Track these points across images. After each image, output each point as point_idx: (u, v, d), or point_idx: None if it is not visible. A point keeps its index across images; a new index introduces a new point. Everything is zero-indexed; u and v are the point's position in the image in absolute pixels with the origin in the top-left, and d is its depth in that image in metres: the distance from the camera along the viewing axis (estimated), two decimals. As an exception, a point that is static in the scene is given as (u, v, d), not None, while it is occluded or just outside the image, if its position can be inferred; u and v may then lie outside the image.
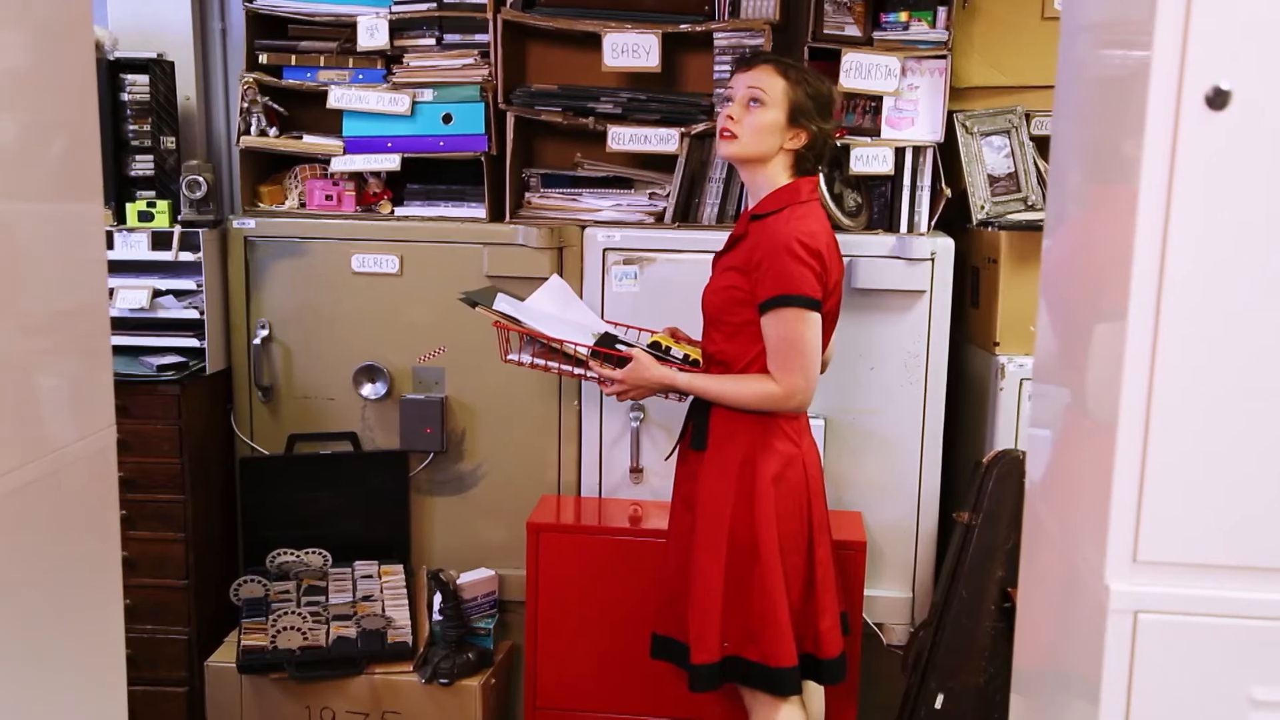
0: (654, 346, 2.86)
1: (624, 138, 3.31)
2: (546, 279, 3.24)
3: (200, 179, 3.31)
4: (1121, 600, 1.35)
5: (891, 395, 3.30)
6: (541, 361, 2.87)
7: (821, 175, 2.84)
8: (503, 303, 2.89)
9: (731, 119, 2.65)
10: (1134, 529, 1.34)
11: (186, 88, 3.62)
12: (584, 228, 3.34)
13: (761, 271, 2.56)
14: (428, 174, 3.44)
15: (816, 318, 2.57)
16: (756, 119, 2.62)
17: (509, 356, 2.90)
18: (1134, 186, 1.30)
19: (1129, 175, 1.33)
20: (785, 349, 2.56)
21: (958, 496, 3.36)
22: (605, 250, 3.32)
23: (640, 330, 2.96)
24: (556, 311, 2.93)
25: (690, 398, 2.78)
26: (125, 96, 3.39)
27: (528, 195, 3.44)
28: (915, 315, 3.28)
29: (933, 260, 3.24)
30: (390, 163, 3.35)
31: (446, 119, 3.34)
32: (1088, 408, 1.48)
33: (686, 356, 2.82)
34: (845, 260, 2.88)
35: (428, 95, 3.34)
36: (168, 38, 3.58)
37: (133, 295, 3.31)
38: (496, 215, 3.42)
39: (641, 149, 3.31)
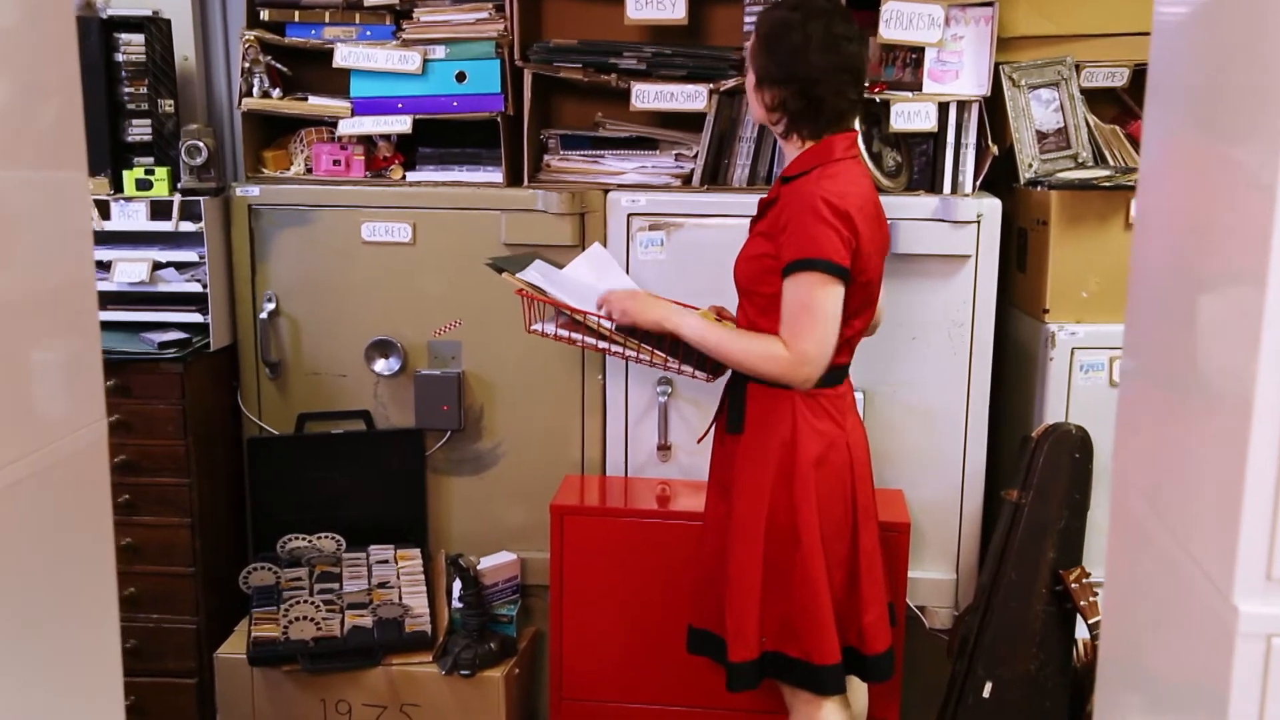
0: None
1: (648, 95, 3.11)
2: (568, 247, 3.05)
3: (200, 144, 3.12)
4: (1253, 624, 1.17)
5: (934, 366, 3.12)
6: (566, 333, 2.68)
7: (859, 131, 2.59)
8: (536, 271, 2.71)
9: None
10: (1268, 542, 1.16)
11: (185, 47, 3.42)
12: (606, 192, 3.15)
13: (786, 235, 2.36)
14: (441, 136, 3.24)
15: (838, 287, 2.34)
16: (749, 86, 2.49)
17: (533, 327, 2.71)
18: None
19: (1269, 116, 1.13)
20: (800, 313, 2.35)
21: (1004, 473, 3.19)
22: (629, 215, 3.13)
23: (682, 306, 2.78)
24: (594, 281, 2.73)
25: (726, 376, 2.59)
26: (120, 57, 3.20)
27: (547, 158, 3.24)
28: (959, 281, 3.09)
29: (978, 223, 3.04)
30: (401, 125, 3.16)
31: (460, 77, 3.15)
32: (1207, 395, 1.30)
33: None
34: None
35: (440, 52, 3.14)
36: (164, -5, 3.38)
37: (132, 268, 3.13)
38: (514, 179, 3.23)
39: (667, 107, 3.12)
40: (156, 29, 3.23)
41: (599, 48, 3.12)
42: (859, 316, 2.47)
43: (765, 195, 2.54)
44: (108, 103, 3.18)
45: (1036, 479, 2.96)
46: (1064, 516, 2.95)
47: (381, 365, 3.27)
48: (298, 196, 3.23)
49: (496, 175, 3.20)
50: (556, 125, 3.38)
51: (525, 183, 3.19)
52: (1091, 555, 2.93)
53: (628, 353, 2.62)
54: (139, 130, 3.24)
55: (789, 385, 2.41)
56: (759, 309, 2.47)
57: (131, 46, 3.19)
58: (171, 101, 3.28)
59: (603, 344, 2.65)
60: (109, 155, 3.19)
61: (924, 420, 3.15)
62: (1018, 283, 3.23)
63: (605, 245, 3.14)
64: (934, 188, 3.14)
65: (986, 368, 3.12)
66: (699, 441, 2.81)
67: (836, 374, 2.49)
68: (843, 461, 2.49)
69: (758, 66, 2.43)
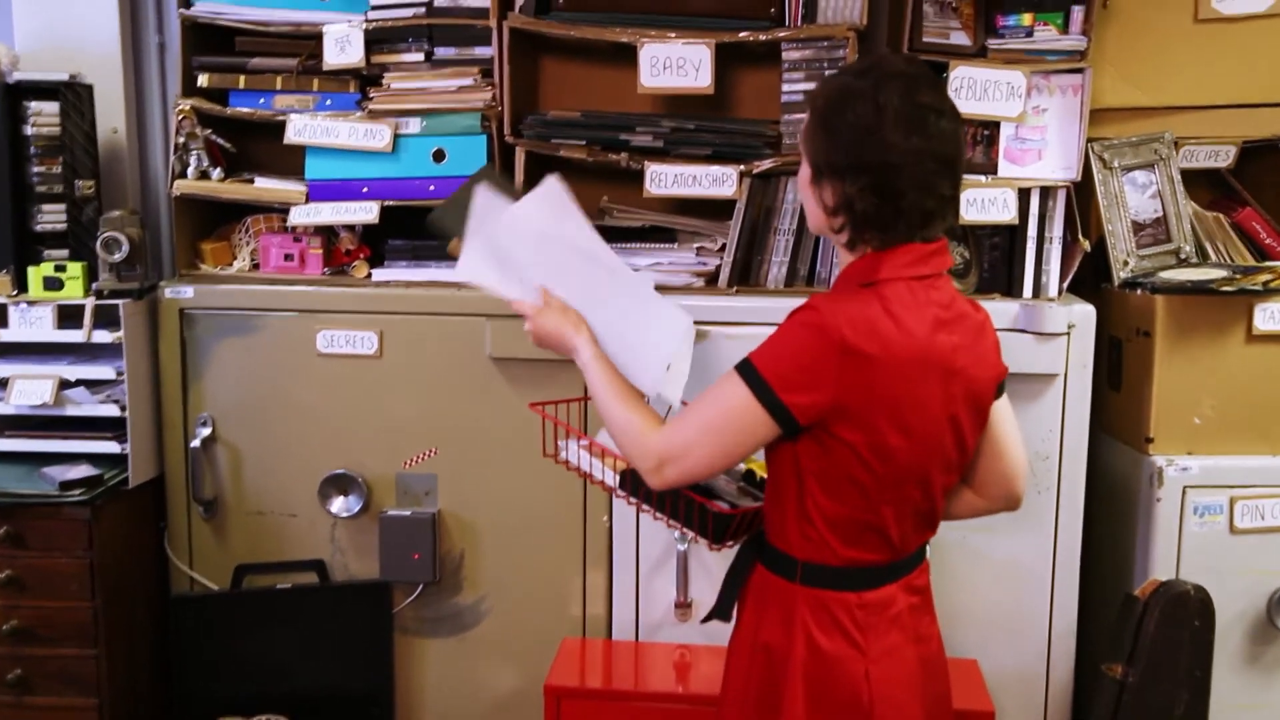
0: (748, 478, 2.11)
1: (666, 178, 2.57)
2: (566, 362, 2.48)
3: (119, 236, 2.56)
4: None
5: (1014, 507, 2.55)
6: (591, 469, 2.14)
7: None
8: (480, 236, 2.04)
9: None
10: None
11: (114, 117, 2.89)
12: (614, 294, 2.60)
13: None
14: (414, 227, 2.68)
15: (757, 411, 1.73)
16: (800, 178, 1.86)
17: (561, 457, 2.19)
18: None
19: None
20: (697, 403, 1.81)
21: (1101, 640, 2.61)
22: (642, 323, 2.57)
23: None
24: (546, 229, 2.06)
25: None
26: (29, 130, 2.65)
27: (542, 252, 2.69)
28: (1044, 405, 2.54)
29: (1069, 334, 2.49)
30: (366, 213, 2.61)
31: (438, 156, 2.61)
32: None
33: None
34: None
35: (414, 125, 2.61)
36: (91, 56, 2.85)
37: (32, 387, 2.56)
38: (503, 279, 2.67)
39: (688, 193, 2.58)
40: (74, 96, 2.69)
41: (607, 121, 2.59)
42: (888, 500, 1.78)
43: None
44: (12, 184, 2.64)
45: (1146, 651, 2.40)
46: (1183, 700, 2.38)
47: (339, 504, 2.68)
48: (240, 299, 2.66)
49: (481, 274, 2.64)
50: (554, 212, 2.84)
51: (516, 283, 2.64)
52: (1221, 750, 2.37)
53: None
54: (51, 217, 2.69)
55: (654, 481, 1.82)
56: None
57: (43, 117, 2.65)
58: (92, 183, 2.73)
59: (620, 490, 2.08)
60: (12, 247, 2.64)
61: (1001, 573, 2.59)
62: (1111, 405, 2.67)
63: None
64: (1010, 290, 2.60)
65: (1078, 509, 2.58)
66: (703, 622, 2.14)
67: (856, 576, 1.81)
68: (848, 699, 1.81)
69: (813, 152, 1.78)
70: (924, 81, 1.76)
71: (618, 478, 2.07)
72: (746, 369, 1.74)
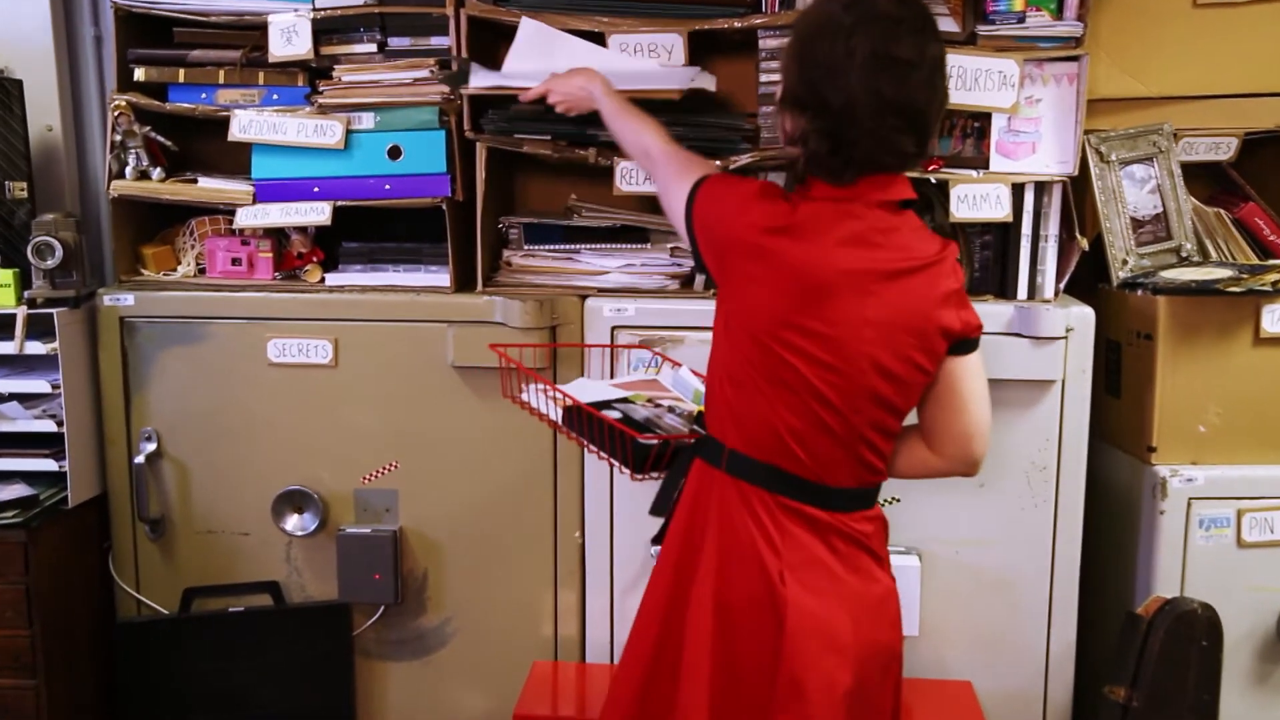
0: (699, 421, 2.00)
1: (637, 175, 2.41)
2: (534, 370, 2.33)
3: (52, 241, 2.40)
4: None
5: (1009, 520, 2.44)
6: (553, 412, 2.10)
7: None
8: (479, 78, 2.34)
9: None
10: None
11: (48, 114, 2.71)
12: (584, 298, 2.45)
13: None
14: (370, 228, 2.53)
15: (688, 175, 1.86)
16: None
17: (522, 398, 2.19)
18: None
19: None
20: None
21: (1101, 660, 2.48)
22: (614, 329, 2.43)
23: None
24: (540, 65, 2.32)
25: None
26: (-46, 128, 2.48)
27: (507, 254, 2.53)
28: (1041, 413, 2.40)
29: (1067, 338, 2.35)
30: (317, 214, 2.44)
31: (394, 153, 2.45)
32: None
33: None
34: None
35: (367, 121, 2.45)
36: (22, 49, 2.67)
37: (-39, 403, 2.39)
38: (465, 283, 2.51)
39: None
40: (2, 92, 2.51)
41: (571, 116, 2.41)
42: (787, 404, 1.72)
43: None
44: (-62, 187, 2.46)
45: (1151, 673, 2.28)
46: (1191, 725, 2.25)
47: (294, 523, 2.53)
48: (185, 306, 2.50)
49: (442, 278, 2.48)
50: (519, 211, 2.68)
51: (479, 287, 2.48)
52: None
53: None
54: (-20, 221, 2.52)
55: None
56: None
57: (-31, 115, 2.48)
58: (24, 185, 2.56)
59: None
60: (-61, 254, 2.47)
61: (996, 590, 2.45)
62: (1111, 412, 2.53)
63: (583, 368, 2.43)
64: (1004, 292, 2.45)
65: (1076, 522, 2.44)
66: (654, 543, 2.01)
67: (777, 478, 1.76)
68: (760, 594, 1.73)
69: (784, 77, 1.75)
70: (907, 27, 1.67)
71: (560, 412, 2.06)
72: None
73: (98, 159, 2.77)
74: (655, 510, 1.92)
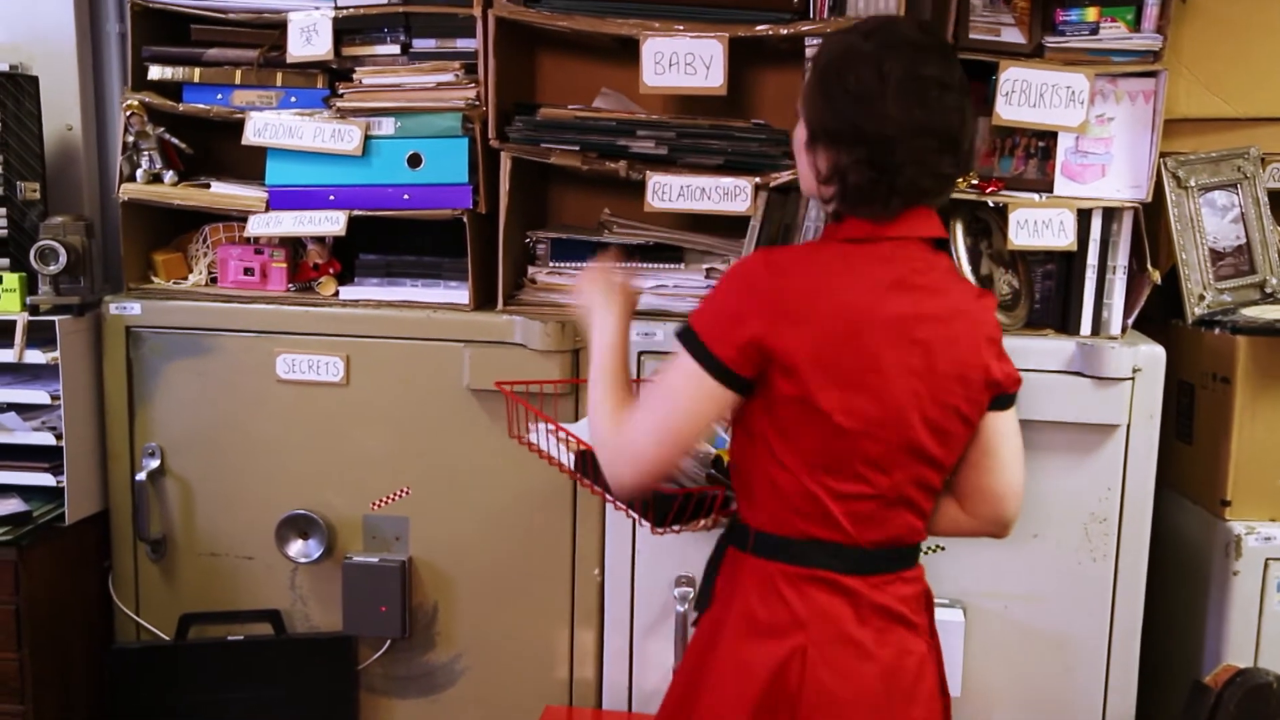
0: (716, 464, 1.89)
1: (670, 190, 2.25)
2: (553, 397, 2.18)
3: (55, 245, 2.29)
4: None
5: (1064, 575, 2.24)
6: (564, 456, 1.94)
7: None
8: None
9: None
10: None
11: (68, 113, 2.62)
12: (611, 320, 2.29)
13: None
14: (387, 239, 2.40)
15: (703, 379, 1.56)
16: (797, 139, 1.70)
17: (528, 438, 2.02)
18: None
19: None
20: (653, 388, 1.63)
21: (1165, 732, 2.27)
22: (641, 354, 2.26)
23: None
24: None
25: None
26: (-35, 126, 2.39)
27: (532, 271, 2.39)
28: (1104, 460, 2.20)
29: (1134, 380, 2.15)
30: (332, 224, 2.31)
31: (414, 161, 2.31)
32: None
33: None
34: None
35: (387, 126, 2.32)
36: (43, 46, 2.58)
37: (-42, 412, 2.29)
38: (485, 300, 2.37)
39: (695, 207, 2.26)
40: (16, 89, 2.42)
41: (602, 125, 2.27)
42: (833, 469, 1.58)
43: None
44: (-53, 186, 2.37)
45: (1218, 752, 2.04)
46: (1262, 812, 2.03)
47: (297, 548, 2.40)
48: (192, 316, 2.38)
49: (461, 294, 2.34)
50: (551, 226, 2.54)
51: (499, 305, 2.33)
52: None
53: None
54: (-10, 222, 2.43)
55: (613, 479, 1.64)
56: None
57: (-19, 112, 2.39)
58: (37, 186, 2.46)
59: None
60: (-54, 255, 2.38)
61: (1048, 650, 2.25)
62: (1181, 460, 2.32)
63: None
64: (1066, 327, 2.26)
65: (1139, 580, 2.23)
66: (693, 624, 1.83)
67: (808, 549, 1.61)
68: (773, 675, 1.59)
69: (810, 115, 1.63)
70: (933, 52, 1.60)
71: (572, 457, 1.92)
72: (684, 333, 1.60)
73: (119, 161, 2.67)
74: (697, 605, 1.78)
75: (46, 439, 2.33)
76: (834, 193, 1.61)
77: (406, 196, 2.31)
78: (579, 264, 2.35)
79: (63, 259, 2.30)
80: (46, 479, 2.33)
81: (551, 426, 1.96)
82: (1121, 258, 2.22)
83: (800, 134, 1.65)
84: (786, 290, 1.55)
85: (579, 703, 2.40)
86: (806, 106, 1.63)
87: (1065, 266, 2.26)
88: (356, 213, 2.32)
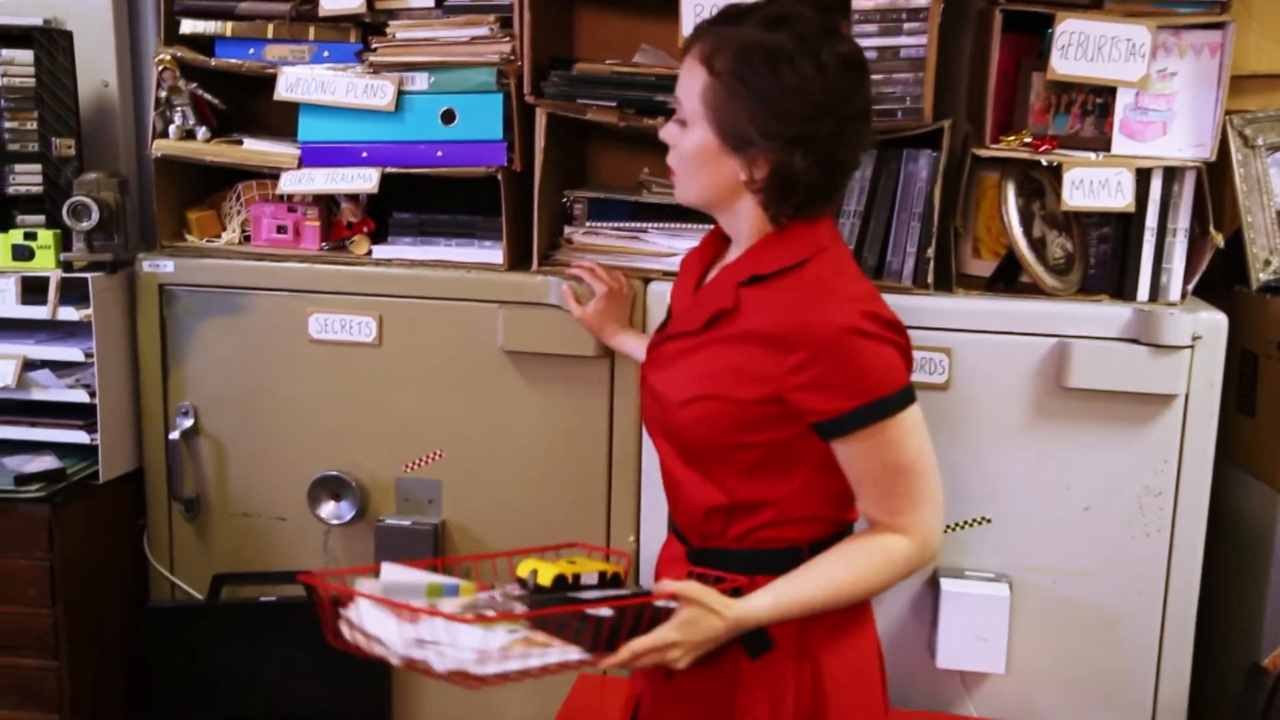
0: (558, 583, 1.53)
1: (711, 148, 2.17)
2: (587, 358, 2.13)
3: (87, 201, 2.27)
4: None
5: (1116, 550, 2.15)
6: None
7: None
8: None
9: (669, 145, 1.60)
10: None
11: (104, 69, 2.59)
12: (648, 280, 2.23)
13: (814, 372, 1.47)
14: (421, 197, 2.35)
15: (917, 413, 1.52)
16: (682, 146, 1.57)
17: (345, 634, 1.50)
18: None
19: None
20: (899, 478, 1.52)
21: (1220, 716, 2.18)
22: (677, 316, 2.19)
23: (484, 559, 1.74)
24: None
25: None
26: (0, 81, 2.37)
27: (568, 231, 2.33)
28: (1159, 431, 2.10)
29: (1193, 348, 2.05)
30: (364, 181, 2.27)
31: (447, 117, 2.26)
32: None
33: (608, 576, 1.57)
34: (1050, 341, 1.99)
35: (420, 82, 2.26)
36: (79, 1, 2.55)
37: (-7, 368, 2.29)
38: (519, 260, 2.32)
39: (737, 165, 2.17)
40: (50, 43, 2.40)
41: (641, 80, 2.20)
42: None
43: (706, 300, 1.59)
44: (-17, 140, 2.36)
45: (1277, 736, 1.95)
46: (1322, 801, 1.94)
47: (329, 510, 2.37)
48: (226, 274, 2.36)
49: (496, 254, 2.29)
50: (590, 186, 2.48)
51: (534, 265, 2.28)
52: None
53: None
54: (25, 179, 2.42)
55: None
56: (745, 472, 1.55)
57: (15, 67, 2.38)
58: (72, 142, 2.44)
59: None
60: (-18, 211, 2.37)
61: (1097, 627, 2.17)
62: (1242, 433, 2.22)
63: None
64: (1122, 292, 2.16)
65: (1195, 556, 2.14)
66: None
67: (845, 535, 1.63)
68: (875, 675, 1.68)
69: (731, 120, 1.49)
70: (837, 28, 1.53)
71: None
72: (877, 410, 1.48)
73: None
74: (758, 650, 1.59)
75: (80, 396, 2.32)
76: (772, 196, 1.52)
77: (440, 154, 2.26)
78: (616, 224, 2.29)
79: (95, 215, 2.28)
80: (80, 436, 2.33)
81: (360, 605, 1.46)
82: (1182, 220, 2.11)
83: (705, 141, 1.52)
84: (895, 315, 1.52)
85: (612, 672, 2.35)
86: (720, 112, 1.49)
87: (1122, 229, 2.16)
88: (389, 170, 2.27)
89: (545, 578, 1.53)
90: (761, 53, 1.47)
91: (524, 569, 1.55)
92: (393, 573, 1.56)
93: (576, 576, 1.54)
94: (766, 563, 1.56)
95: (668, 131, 1.58)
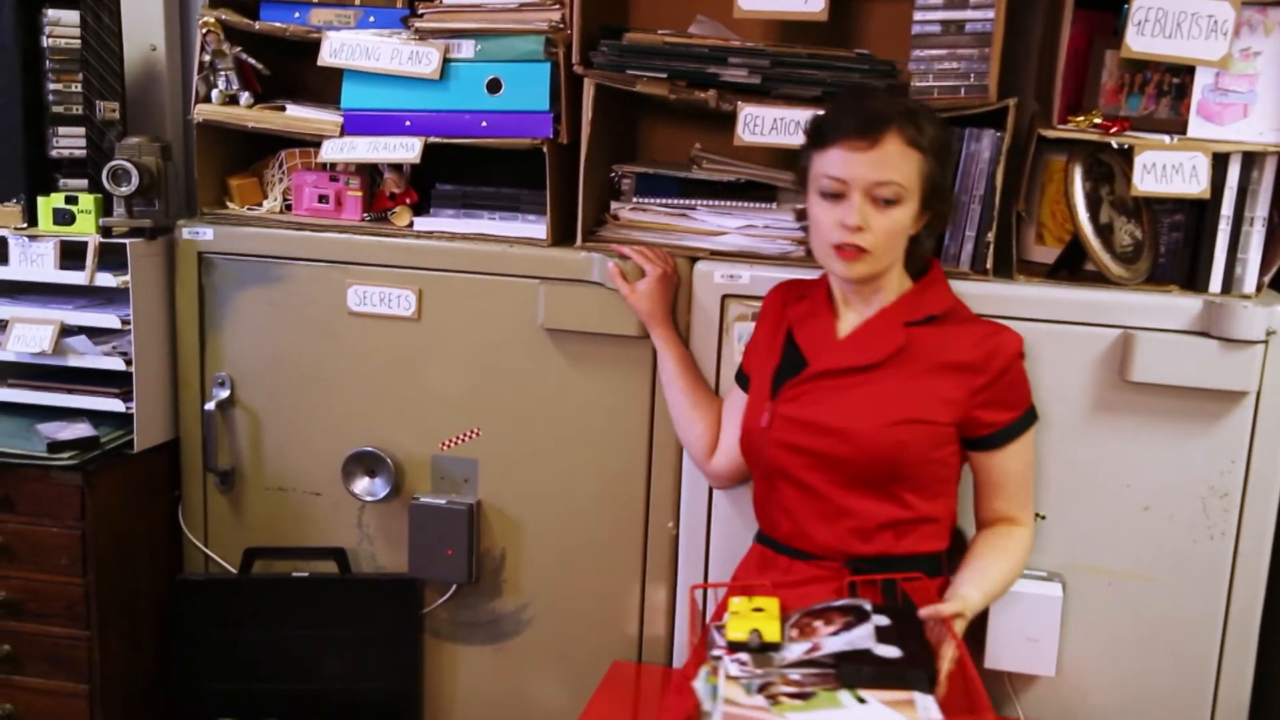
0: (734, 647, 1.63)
1: (763, 123, 2.10)
2: (629, 338, 2.07)
3: (127, 166, 2.24)
4: None
5: (1177, 552, 2.06)
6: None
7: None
8: None
9: (860, 230, 1.76)
10: None
11: (151, 32, 2.57)
12: (694, 259, 2.16)
13: (994, 391, 1.85)
14: (464, 169, 2.29)
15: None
16: (894, 222, 1.78)
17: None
18: None
19: None
20: (1030, 477, 1.94)
21: (1282, 728, 2.09)
22: (725, 297, 2.14)
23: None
24: None
25: None
26: (46, 42, 2.34)
27: (615, 206, 2.26)
28: (1228, 430, 2.00)
29: (1267, 342, 1.94)
30: (407, 151, 2.21)
31: (493, 86, 2.20)
32: None
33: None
34: (1114, 332, 2.01)
35: (466, 50, 2.20)
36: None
37: (31, 333, 2.26)
38: (564, 236, 2.25)
39: (787, 141, 2.09)
40: (97, 4, 2.36)
41: (693, 51, 2.12)
42: None
43: (876, 341, 1.86)
44: (26, 102, 2.33)
45: (1343, 755, 1.86)
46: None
47: (363, 486, 2.33)
48: (265, 243, 2.32)
49: (539, 229, 2.23)
50: (640, 160, 2.41)
51: (579, 241, 2.22)
52: None
53: None
54: (69, 142, 2.39)
55: None
56: (925, 488, 1.86)
57: (61, 28, 2.34)
58: (116, 105, 2.41)
59: None
60: (24, 174, 2.34)
61: (1155, 632, 2.08)
62: (1314, 433, 2.10)
63: (689, 338, 2.15)
64: (1193, 283, 2.05)
65: (1262, 561, 2.05)
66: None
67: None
68: None
69: (933, 185, 1.81)
70: None
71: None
72: (1029, 419, 1.88)
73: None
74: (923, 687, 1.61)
75: (116, 364, 2.29)
76: (917, 246, 1.88)
77: (485, 124, 2.20)
78: (664, 201, 2.22)
79: (135, 180, 2.24)
80: (116, 404, 2.30)
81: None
82: (1261, 208, 2.00)
83: (913, 210, 1.78)
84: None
85: (648, 660, 2.30)
86: (932, 177, 1.78)
87: (1196, 216, 2.05)
88: (433, 140, 2.22)
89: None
90: (934, 119, 1.81)
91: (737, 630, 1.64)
92: None
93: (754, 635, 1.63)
94: (920, 565, 1.83)
95: (871, 216, 1.75)
